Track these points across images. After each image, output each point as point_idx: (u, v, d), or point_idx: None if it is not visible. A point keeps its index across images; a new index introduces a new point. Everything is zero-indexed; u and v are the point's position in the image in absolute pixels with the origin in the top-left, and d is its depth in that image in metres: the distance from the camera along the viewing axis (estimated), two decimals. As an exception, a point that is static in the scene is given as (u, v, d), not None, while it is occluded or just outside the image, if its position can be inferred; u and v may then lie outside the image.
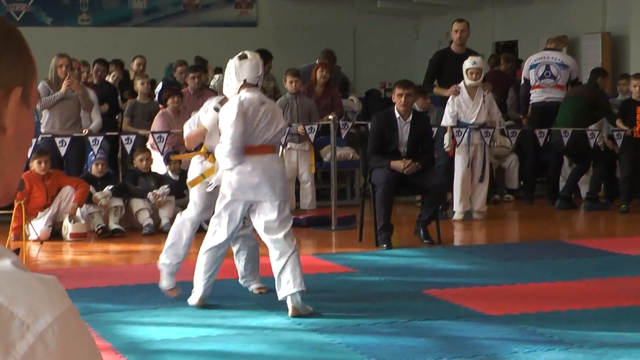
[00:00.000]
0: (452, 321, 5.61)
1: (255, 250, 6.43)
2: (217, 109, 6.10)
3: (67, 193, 8.93)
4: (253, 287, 6.39)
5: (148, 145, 9.78)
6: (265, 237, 5.87)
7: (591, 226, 9.98)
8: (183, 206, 8.88)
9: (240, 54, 5.97)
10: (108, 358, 4.87)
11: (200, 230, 6.56)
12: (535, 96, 11.07)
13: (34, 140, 9.09)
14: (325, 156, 10.71)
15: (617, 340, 5.17)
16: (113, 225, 9.09)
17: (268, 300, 6.08)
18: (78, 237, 8.86)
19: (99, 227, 9.02)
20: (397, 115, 8.35)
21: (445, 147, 9.71)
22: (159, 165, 9.76)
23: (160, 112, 10.18)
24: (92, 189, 9.13)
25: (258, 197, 5.80)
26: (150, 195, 9.29)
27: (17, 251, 7.08)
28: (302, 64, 11.94)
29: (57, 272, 7.08)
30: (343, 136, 10.43)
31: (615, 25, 13.99)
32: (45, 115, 9.59)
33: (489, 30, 16.23)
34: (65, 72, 9.53)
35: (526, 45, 15.04)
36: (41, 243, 8.61)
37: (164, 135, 9.45)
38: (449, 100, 9.78)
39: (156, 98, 11.19)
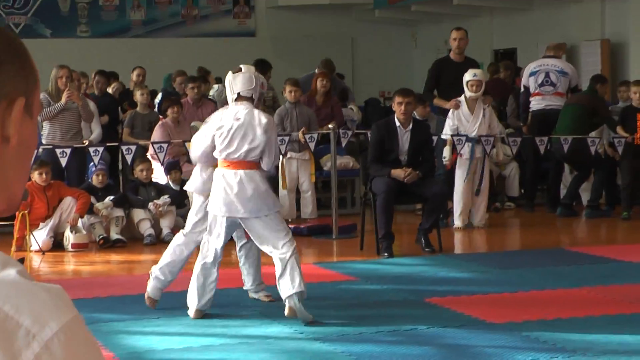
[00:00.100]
0: (454, 329, 5.61)
1: (259, 260, 6.46)
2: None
3: (68, 204, 8.93)
4: (261, 294, 6.41)
5: (148, 156, 9.79)
6: (264, 249, 5.96)
7: (592, 234, 9.97)
8: (184, 216, 8.89)
9: (236, 67, 6.10)
10: (110, 369, 4.86)
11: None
12: (535, 104, 11.07)
13: (34, 153, 9.09)
14: (325, 165, 10.72)
15: (620, 347, 5.16)
16: (114, 235, 9.09)
17: (270, 309, 6.07)
18: (79, 248, 8.86)
19: (101, 237, 9.02)
20: (398, 123, 8.35)
21: (444, 160, 9.71)
22: (159, 176, 9.77)
23: (160, 122, 10.19)
24: (93, 199, 9.13)
25: (236, 213, 5.85)
26: (151, 205, 9.29)
27: (21, 260, 7.09)
28: (300, 73, 11.96)
29: (59, 282, 7.05)
30: (343, 145, 10.44)
31: (614, 32, 14.01)
32: (45, 127, 9.59)
33: (488, 38, 16.25)
34: (65, 83, 9.55)
35: (525, 52, 15.05)
36: (43, 254, 8.62)
37: (164, 146, 9.45)
38: (449, 113, 9.76)
39: (156, 108, 11.21)
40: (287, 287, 5.76)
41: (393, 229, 8.31)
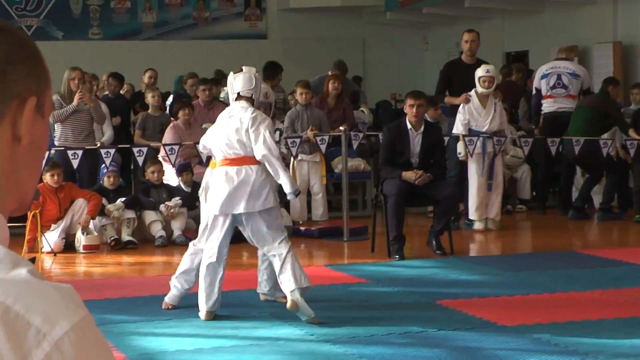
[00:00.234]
0: (466, 332, 5.59)
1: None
2: None
3: (80, 205, 8.95)
4: (277, 295, 6.40)
5: (160, 158, 9.81)
6: (261, 248, 6.01)
7: (604, 236, 9.94)
8: (195, 218, 8.91)
9: (238, 69, 6.20)
10: (121, 370, 4.87)
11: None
12: (547, 106, 11.04)
13: (46, 153, 9.12)
14: (336, 167, 10.71)
15: (632, 351, 5.13)
16: (126, 237, 9.10)
17: (281, 311, 6.07)
18: (91, 249, 8.88)
19: (112, 239, 9.04)
20: (409, 126, 8.34)
21: (460, 155, 9.69)
22: (170, 177, 9.78)
23: (171, 124, 10.20)
24: (104, 201, 9.15)
25: (236, 209, 5.88)
26: (162, 207, 9.31)
27: (33, 260, 7.11)
28: (311, 76, 11.96)
29: (71, 283, 7.05)
30: (354, 147, 10.43)
31: (626, 34, 13.95)
32: (58, 128, 9.63)
33: (499, 41, 16.22)
34: (77, 85, 9.58)
35: (537, 55, 15.01)
36: (54, 255, 8.64)
37: (176, 148, 9.47)
38: (460, 108, 9.77)
39: (167, 110, 11.23)
40: (290, 281, 5.80)
41: (404, 231, 8.30)
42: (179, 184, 9.70)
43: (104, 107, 10.08)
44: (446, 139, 9.55)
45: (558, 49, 11.64)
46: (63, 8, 16.91)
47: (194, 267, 6.23)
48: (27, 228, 8.27)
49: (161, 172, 9.62)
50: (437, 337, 5.51)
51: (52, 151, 9.35)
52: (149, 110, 10.98)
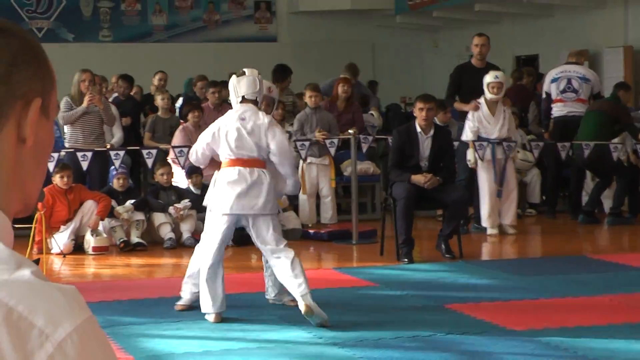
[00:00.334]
0: (475, 336, 5.57)
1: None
2: None
3: (89, 207, 8.97)
4: (285, 300, 6.39)
5: (169, 160, 9.82)
6: (264, 251, 6.01)
7: (615, 241, 9.90)
8: (204, 220, 8.90)
9: (239, 71, 6.19)
10: (129, 372, 4.87)
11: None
12: (557, 110, 11.01)
13: (56, 155, 9.15)
14: (345, 170, 10.71)
15: (642, 356, 5.11)
16: (135, 239, 9.12)
17: (289, 314, 6.07)
18: (100, 251, 8.90)
19: (121, 240, 9.05)
20: (419, 129, 8.33)
21: (470, 163, 9.67)
22: (180, 180, 9.80)
23: (180, 126, 10.22)
24: (113, 203, 9.17)
25: (242, 209, 5.88)
26: (171, 209, 9.32)
27: (37, 261, 7.12)
28: (321, 79, 11.96)
29: (80, 285, 7.07)
30: (364, 150, 10.42)
31: (637, 38, 13.91)
32: (67, 130, 9.65)
33: (509, 44, 16.19)
34: (87, 87, 9.60)
35: (547, 59, 14.98)
36: (64, 256, 8.66)
37: (185, 150, 9.47)
38: (469, 115, 9.74)
39: (177, 113, 11.25)
40: (302, 285, 5.79)
41: (413, 234, 8.29)
42: (188, 186, 9.71)
43: (113, 109, 10.11)
44: (456, 143, 9.54)
45: (568, 53, 11.61)
46: (74, 10, 16.97)
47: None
48: (35, 229, 8.28)
49: (170, 174, 9.63)
50: (446, 341, 5.49)
51: (62, 153, 9.37)
52: (159, 113, 11.00)
